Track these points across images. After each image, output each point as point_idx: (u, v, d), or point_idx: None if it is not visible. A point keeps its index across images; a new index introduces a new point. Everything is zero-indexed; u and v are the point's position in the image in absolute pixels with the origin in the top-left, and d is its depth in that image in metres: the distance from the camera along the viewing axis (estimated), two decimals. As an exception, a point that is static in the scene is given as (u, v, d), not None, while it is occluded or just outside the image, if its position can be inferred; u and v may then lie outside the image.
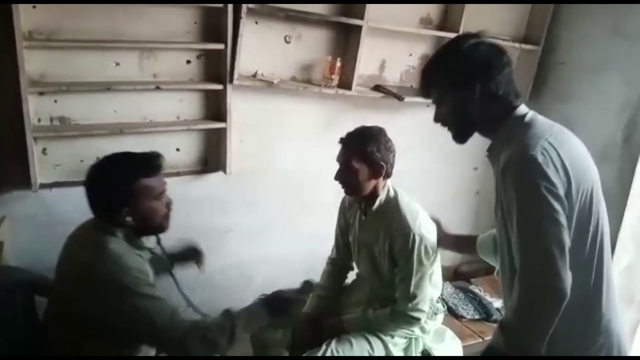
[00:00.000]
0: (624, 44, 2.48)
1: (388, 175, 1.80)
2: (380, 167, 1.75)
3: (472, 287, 2.65)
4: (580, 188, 1.18)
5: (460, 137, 1.34)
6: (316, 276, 2.16)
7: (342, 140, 1.77)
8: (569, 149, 1.21)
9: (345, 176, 1.77)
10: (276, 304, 1.60)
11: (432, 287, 1.89)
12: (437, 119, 1.35)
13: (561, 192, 1.13)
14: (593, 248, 1.22)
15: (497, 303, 2.48)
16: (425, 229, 1.78)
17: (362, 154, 1.73)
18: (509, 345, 1.17)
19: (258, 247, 2.64)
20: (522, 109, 1.27)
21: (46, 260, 2.07)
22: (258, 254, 2.65)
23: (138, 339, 1.48)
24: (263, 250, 2.64)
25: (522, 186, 1.15)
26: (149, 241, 1.59)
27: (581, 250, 1.20)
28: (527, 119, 1.25)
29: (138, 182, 1.43)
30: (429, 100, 1.38)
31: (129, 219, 1.43)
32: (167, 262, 1.71)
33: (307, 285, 2.17)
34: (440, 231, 1.84)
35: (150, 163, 1.48)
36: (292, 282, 2.18)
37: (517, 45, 2.76)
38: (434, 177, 2.91)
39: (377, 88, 2.54)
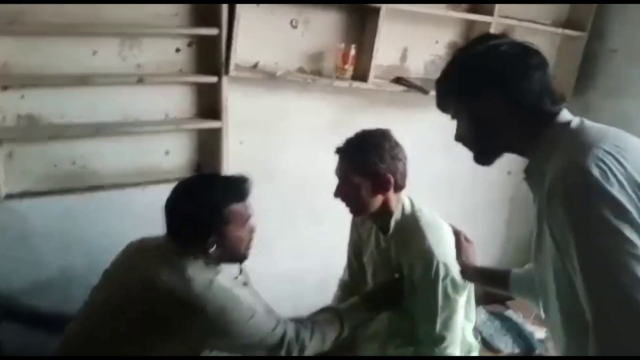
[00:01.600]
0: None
1: (399, 187, 1.50)
2: (386, 180, 1.45)
3: (510, 313, 2.30)
4: None
5: (483, 158, 1.15)
6: (331, 296, 1.88)
7: (338, 151, 1.49)
8: (636, 156, 0.93)
9: (346, 193, 1.49)
10: (380, 298, 1.55)
11: (464, 320, 1.58)
12: (458, 137, 1.15)
13: (633, 212, 0.85)
14: None
15: (540, 333, 2.14)
16: (452, 255, 1.48)
17: (362, 166, 1.44)
18: None
19: (262, 262, 2.32)
20: (565, 115, 1.03)
21: (18, 278, 1.86)
22: (263, 269, 2.35)
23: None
24: (268, 266, 2.37)
25: (577, 214, 0.88)
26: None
27: None
28: (572, 126, 1.01)
29: (228, 209, 1.34)
30: None
31: (213, 247, 1.32)
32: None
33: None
34: (460, 257, 1.52)
35: (239, 187, 1.39)
36: (302, 302, 1.93)
37: (558, 30, 2.45)
38: (462, 182, 2.62)
39: (398, 80, 2.26)
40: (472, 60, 1.07)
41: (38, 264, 1.90)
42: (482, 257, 3.08)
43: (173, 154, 2.00)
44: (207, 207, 1.32)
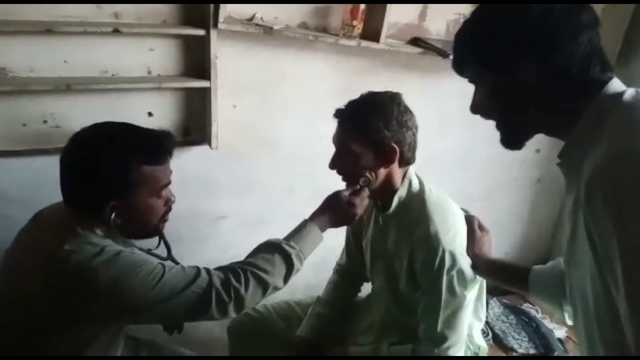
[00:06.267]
0: None
1: (406, 161, 1.29)
2: (391, 151, 1.24)
3: (527, 307, 2.07)
4: None
5: (510, 139, 0.95)
6: (329, 276, 1.73)
7: (337, 113, 1.27)
8: None
9: (343, 164, 1.29)
10: (334, 210, 1.33)
11: (472, 318, 1.38)
12: (475, 108, 0.96)
13: None
14: None
15: (561, 332, 1.90)
16: (462, 244, 1.26)
17: (364, 132, 1.23)
18: None
19: (258, 237, 2.16)
20: (615, 84, 0.84)
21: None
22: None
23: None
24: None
25: (627, 212, 0.67)
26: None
27: None
28: (625, 98, 0.80)
29: (138, 170, 1.10)
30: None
31: (114, 216, 1.10)
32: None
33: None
34: (472, 248, 1.30)
35: (157, 145, 1.14)
36: (299, 282, 1.73)
37: (604, -11, 2.12)
38: (483, 159, 2.37)
39: (415, 41, 1.99)
40: (506, 12, 0.85)
41: (6, 233, 1.75)
42: (501, 242, 2.82)
43: (157, 116, 1.78)
44: (110, 162, 1.07)
